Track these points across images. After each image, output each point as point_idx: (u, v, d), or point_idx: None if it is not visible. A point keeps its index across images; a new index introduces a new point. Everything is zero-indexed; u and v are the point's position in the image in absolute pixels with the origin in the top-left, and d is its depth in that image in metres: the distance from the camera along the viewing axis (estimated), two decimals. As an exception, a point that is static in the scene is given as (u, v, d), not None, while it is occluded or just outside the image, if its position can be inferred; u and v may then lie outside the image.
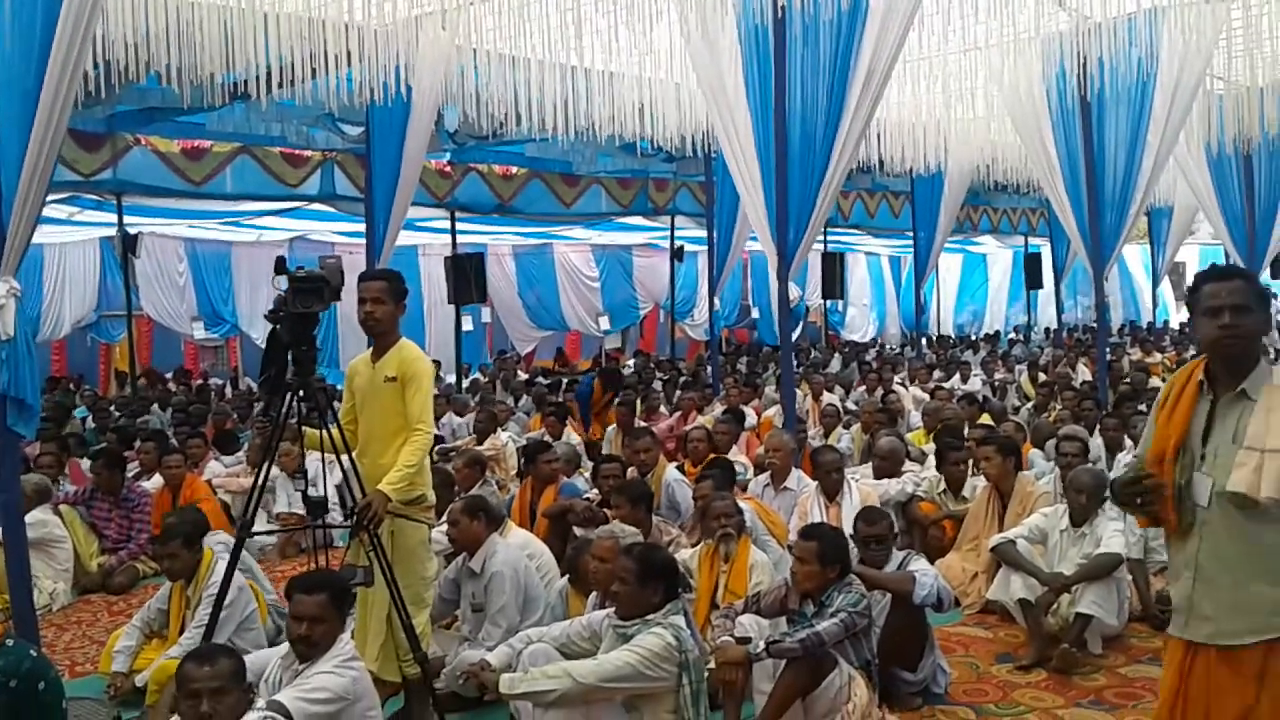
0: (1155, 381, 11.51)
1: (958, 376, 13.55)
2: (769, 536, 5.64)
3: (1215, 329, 2.62)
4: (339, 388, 4.97)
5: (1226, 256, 19.34)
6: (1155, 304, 23.50)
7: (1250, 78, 10.67)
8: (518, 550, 5.13)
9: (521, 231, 17.22)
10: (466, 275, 11.91)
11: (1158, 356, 16.18)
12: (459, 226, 13.36)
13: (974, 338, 22.74)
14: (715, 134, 7.99)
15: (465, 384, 13.70)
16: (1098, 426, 7.78)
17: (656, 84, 9.38)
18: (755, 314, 22.48)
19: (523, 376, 15.19)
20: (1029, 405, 11.04)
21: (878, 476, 6.77)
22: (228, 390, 15.78)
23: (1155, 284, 23.05)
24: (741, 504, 5.42)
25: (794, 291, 7.38)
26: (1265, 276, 14.08)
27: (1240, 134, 11.50)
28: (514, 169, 13.26)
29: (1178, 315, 26.06)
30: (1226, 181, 13.29)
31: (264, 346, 4.11)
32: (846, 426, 9.60)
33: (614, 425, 9.50)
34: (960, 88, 10.47)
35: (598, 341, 21.29)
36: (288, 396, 4.00)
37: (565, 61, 8.39)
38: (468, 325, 14.41)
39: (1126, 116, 9.63)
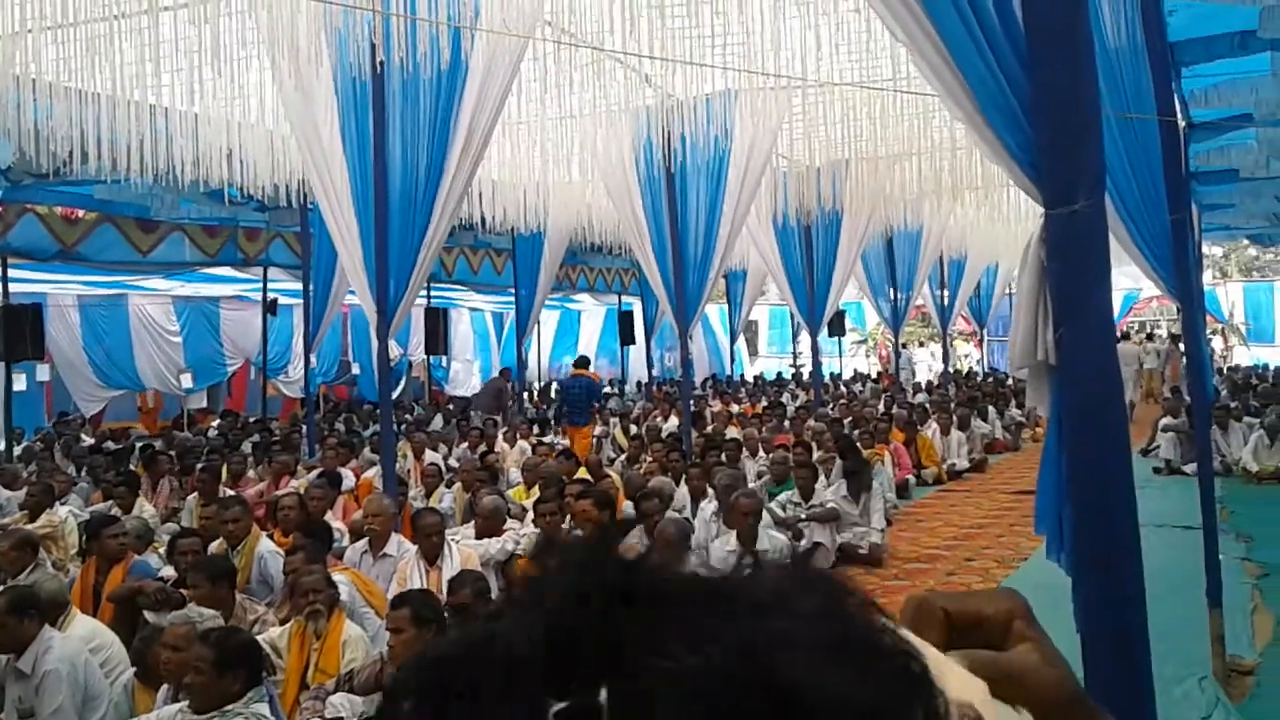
0: (733, 432, 12.40)
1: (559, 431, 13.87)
2: (367, 608, 5.37)
3: None
4: None
5: (792, 317, 21.48)
6: (733, 359, 25.55)
7: (810, 158, 11.91)
8: (78, 644, 4.53)
9: (89, 280, 15.58)
10: (20, 328, 10.59)
11: (735, 408, 17.50)
12: (11, 273, 11.84)
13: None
14: (310, 185, 7.68)
15: (17, 451, 12.14)
16: (684, 476, 8.22)
17: (247, 129, 8.88)
18: (355, 370, 21.82)
19: (88, 441, 13.69)
20: (623, 457, 11.49)
21: (479, 536, 6.69)
22: None
23: (733, 340, 25.11)
24: (337, 575, 5.13)
25: (395, 349, 7.19)
26: (823, 335, 15.68)
27: (802, 207, 12.78)
28: (80, 212, 12.00)
29: (752, 369, 28.53)
30: (790, 249, 14.70)
31: None
32: (449, 485, 9.48)
33: (193, 494, 8.74)
34: (558, 153, 10.83)
35: (179, 400, 19.65)
36: None
37: (143, 99, 7.73)
38: (20, 384, 12.74)
39: (706, 187, 10.38)
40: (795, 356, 26.61)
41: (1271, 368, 24.58)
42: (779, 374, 26.59)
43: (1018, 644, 0.55)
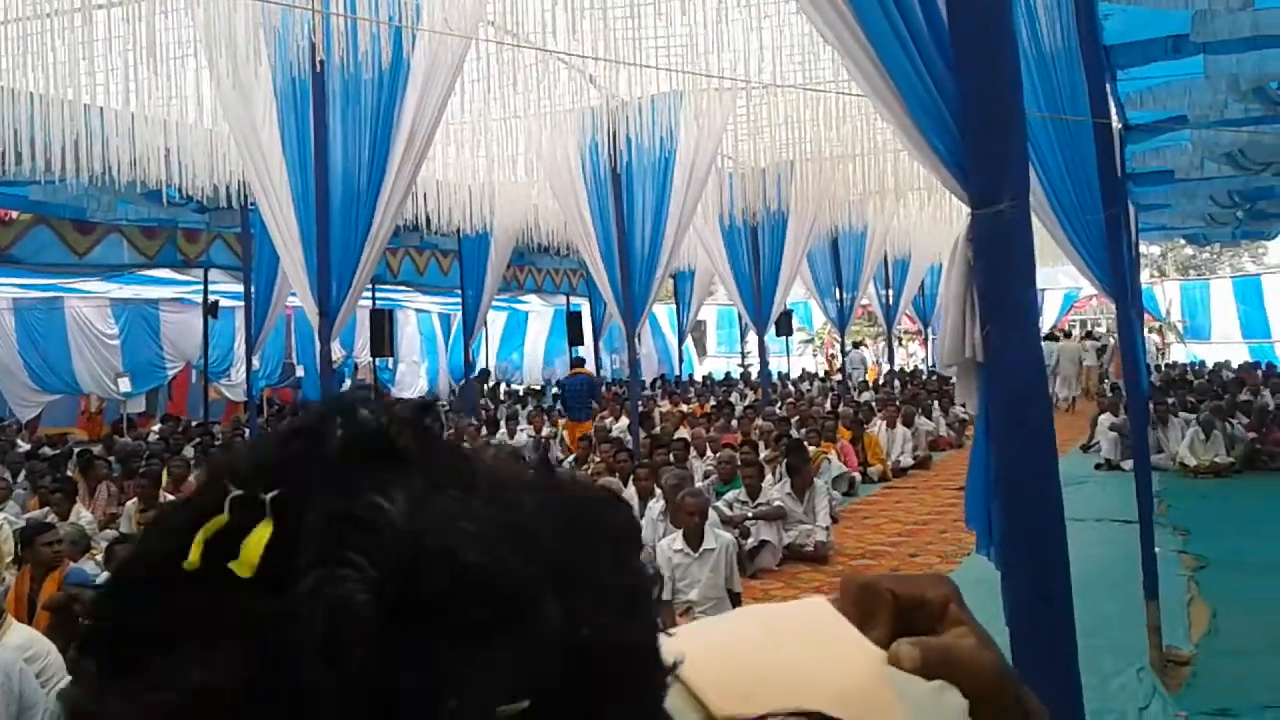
0: (681, 431, 12.43)
1: (505, 431, 13.83)
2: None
3: None
4: None
5: (740, 317, 21.58)
6: (681, 359, 25.60)
7: (755, 159, 11.99)
8: (14, 653, 4.43)
9: (23, 283, 15.25)
10: (-48, 332, 10.35)
11: (684, 407, 17.54)
12: (-57, 276, 11.59)
13: (520, 391, 23.36)
14: (250, 185, 7.58)
15: (-51, 458, 11.84)
16: (631, 476, 8.23)
17: (185, 128, 8.75)
18: (300, 372, 21.57)
19: (24, 447, 13.39)
20: (571, 458, 11.48)
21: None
22: None
23: (681, 340, 25.17)
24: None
25: (338, 351, 7.12)
26: (770, 335, 15.77)
27: (748, 208, 12.86)
28: (14, 213, 11.74)
29: (701, 369, 28.63)
30: (737, 249, 14.77)
31: None
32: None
33: (133, 500, 8.58)
34: (503, 153, 10.80)
35: (118, 405, 19.29)
36: None
37: (77, 98, 7.58)
38: (-48, 390, 12.45)
39: (652, 188, 10.40)
40: (743, 356, 26.73)
41: (1207, 364, 25.15)
42: (727, 374, 26.70)
43: (952, 627, 0.56)
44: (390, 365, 22.70)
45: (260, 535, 0.42)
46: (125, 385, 18.20)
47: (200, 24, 6.75)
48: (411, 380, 24.14)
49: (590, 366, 18.92)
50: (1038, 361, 2.38)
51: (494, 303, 21.05)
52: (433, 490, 0.45)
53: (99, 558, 6.86)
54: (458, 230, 12.55)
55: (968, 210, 2.28)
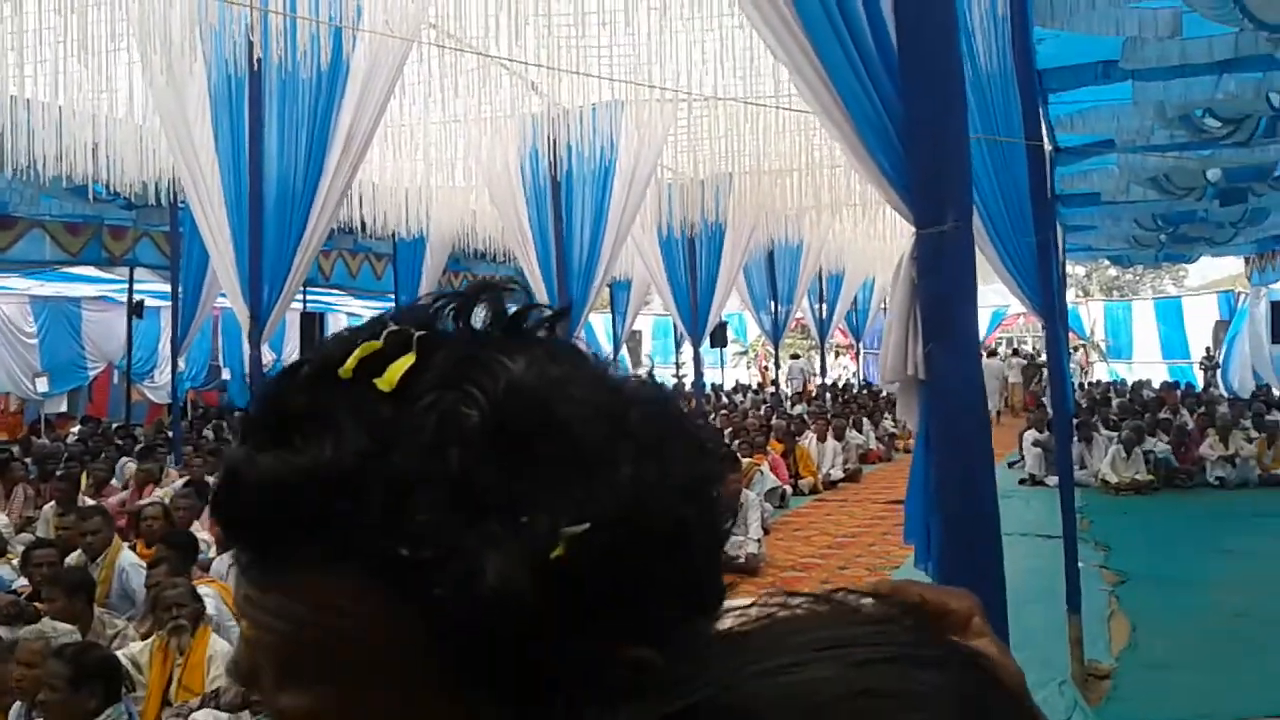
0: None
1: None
2: (234, 623, 5.21)
3: None
4: None
5: (675, 328, 21.65)
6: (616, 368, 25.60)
7: (694, 171, 12.05)
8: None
9: (-60, 278, 14.81)
10: None
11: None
12: None
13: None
14: (181, 183, 7.43)
15: None
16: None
17: (114, 123, 8.54)
18: (225, 375, 21.17)
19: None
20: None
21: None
22: None
23: (616, 350, 25.17)
24: (203, 588, 4.96)
25: (268, 354, 7.00)
26: (705, 346, 15.85)
27: (686, 219, 12.92)
28: (-69, 205, 11.38)
29: (635, 379, 28.59)
30: (674, 260, 14.82)
31: None
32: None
33: (50, 503, 8.34)
34: (441, 157, 10.71)
35: (37, 405, 18.75)
36: None
37: (3, 90, 7.37)
38: None
39: (591, 197, 10.38)
40: (678, 367, 26.81)
41: (1129, 383, 25.81)
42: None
43: (976, 638, 0.59)
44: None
45: (404, 362, 0.54)
46: (43, 385, 17.71)
47: (134, 17, 6.60)
48: (342, 385, 23.76)
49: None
50: (977, 379, 2.42)
51: (428, 308, 20.81)
52: (549, 362, 0.57)
53: (15, 562, 6.65)
54: (393, 234, 12.41)
55: (913, 229, 2.32)
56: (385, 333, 0.56)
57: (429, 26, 7.81)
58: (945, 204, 2.28)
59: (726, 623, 0.55)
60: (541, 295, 10.49)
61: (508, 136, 9.99)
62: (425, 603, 0.52)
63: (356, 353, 0.55)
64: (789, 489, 11.80)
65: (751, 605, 0.54)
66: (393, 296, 15.52)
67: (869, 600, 0.54)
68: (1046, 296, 5.97)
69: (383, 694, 0.54)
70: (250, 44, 6.27)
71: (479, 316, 0.58)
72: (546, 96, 9.59)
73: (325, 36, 6.28)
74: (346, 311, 23.14)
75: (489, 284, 0.61)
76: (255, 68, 6.44)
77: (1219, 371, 24.26)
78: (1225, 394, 21.00)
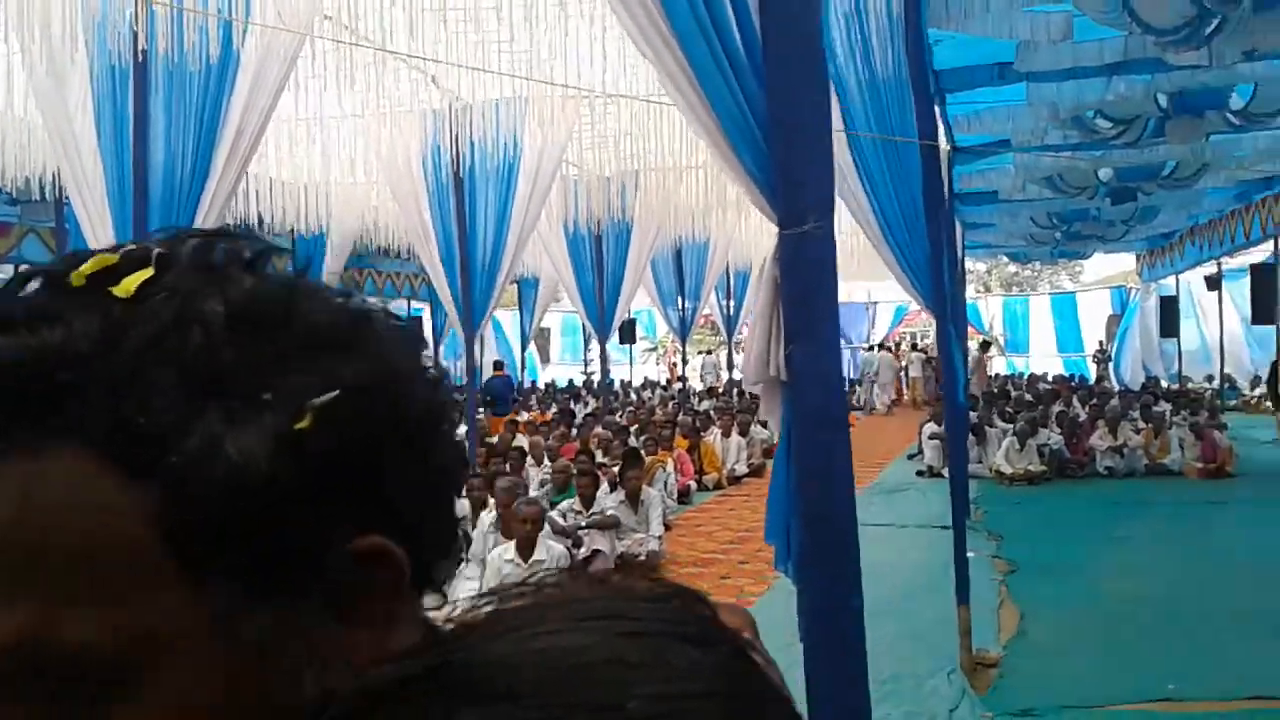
0: (521, 440, 12.35)
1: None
2: None
3: None
4: None
5: (584, 328, 21.61)
6: (524, 366, 25.48)
7: (600, 168, 12.03)
8: None
9: None
10: None
11: (524, 415, 17.46)
12: None
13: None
14: (63, 178, 7.16)
15: None
16: (465, 486, 8.12)
17: (-6, 117, 8.23)
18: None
19: None
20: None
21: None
22: None
23: (524, 347, 25.06)
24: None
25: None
26: (613, 341, 15.87)
27: (592, 216, 12.90)
28: None
29: (545, 376, 28.58)
30: (581, 257, 14.79)
31: None
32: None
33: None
34: (340, 152, 10.52)
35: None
36: None
37: None
38: None
39: (495, 193, 10.28)
40: (587, 364, 26.80)
41: (1025, 375, 26.53)
42: (570, 381, 26.73)
43: None
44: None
45: (142, 274, 0.53)
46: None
47: (12, 7, 6.34)
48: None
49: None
50: (836, 382, 2.44)
51: (332, 305, 20.43)
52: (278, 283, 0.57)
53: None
54: (292, 230, 12.15)
55: (776, 230, 2.33)
56: (122, 250, 0.55)
57: (323, 19, 7.66)
58: (807, 205, 2.30)
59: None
60: (444, 291, 10.40)
61: (408, 131, 9.85)
62: (163, 480, 0.49)
63: (90, 263, 0.53)
64: (693, 484, 11.87)
65: (523, 587, 0.53)
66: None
67: (648, 583, 0.53)
68: (939, 293, 6.09)
69: (109, 599, 0.49)
70: (135, 34, 6.07)
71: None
72: (449, 91, 9.48)
73: (214, 28, 6.11)
74: (247, 309, 22.65)
75: (232, 230, 0.60)
76: (140, 59, 6.23)
77: (1111, 364, 25.07)
78: (1117, 386, 21.71)
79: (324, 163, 10.58)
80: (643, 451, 10.51)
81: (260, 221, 11.63)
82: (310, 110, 9.21)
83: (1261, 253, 16.46)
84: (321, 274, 14.33)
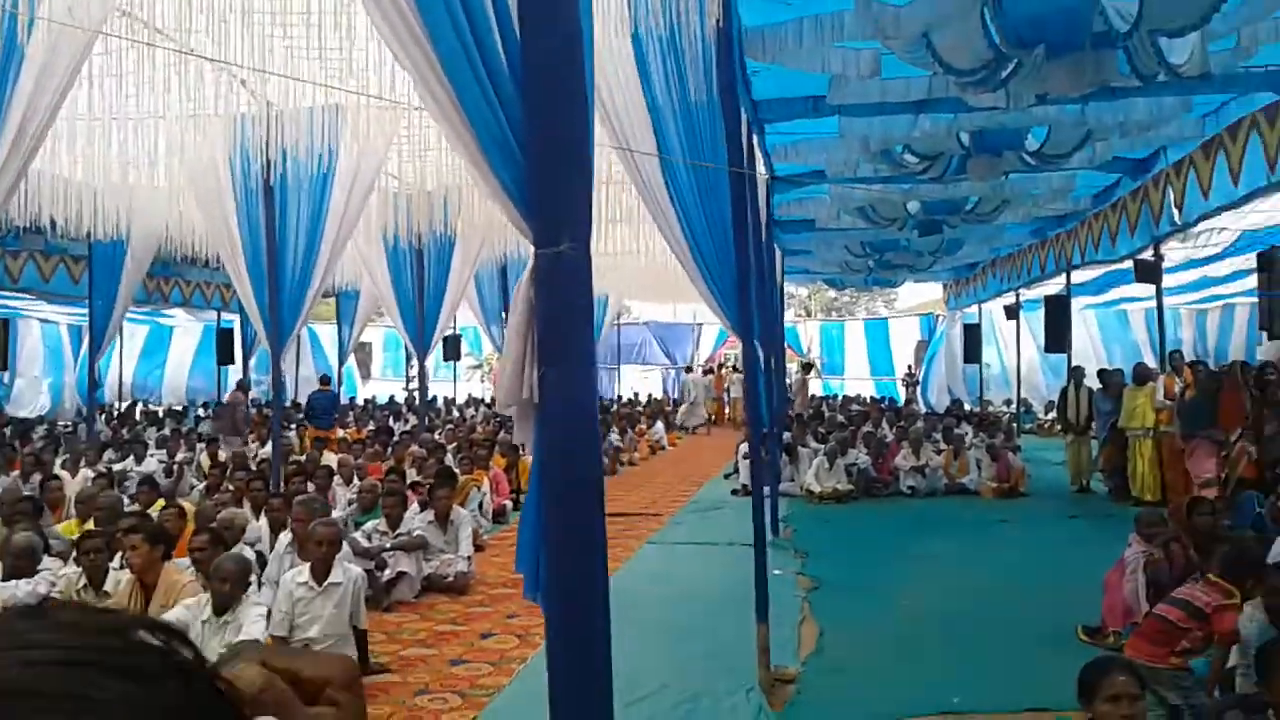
0: (330, 458, 11.97)
1: (133, 457, 12.72)
2: None
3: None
4: None
5: (406, 346, 21.13)
6: (342, 381, 24.78)
7: (421, 181, 11.80)
8: None
9: None
10: None
11: (341, 432, 16.97)
12: None
13: (159, 413, 21.62)
14: None
15: None
16: (265, 506, 7.79)
17: None
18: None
19: None
20: (202, 486, 10.69)
21: (7, 577, 5.90)
22: None
23: (342, 362, 24.38)
24: None
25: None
26: (438, 359, 15.58)
27: (414, 230, 12.66)
28: None
29: (365, 392, 27.86)
30: (401, 271, 14.51)
31: None
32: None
33: None
34: (140, 154, 9.97)
35: None
36: None
37: None
38: None
39: (308, 203, 9.95)
40: (408, 380, 26.27)
41: (840, 396, 27.49)
42: (391, 398, 26.16)
43: (323, 705, 0.66)
44: (6, 380, 20.45)
45: None
46: None
47: None
48: (31, 398, 21.81)
49: (188, 389, 18.18)
50: (591, 406, 2.42)
51: (134, 315, 19.44)
52: None
53: None
54: (88, 234, 11.46)
55: (531, 249, 2.29)
56: None
57: (121, 14, 7.26)
58: (563, 225, 2.27)
59: None
60: (250, 303, 9.99)
61: (214, 135, 9.44)
62: None
63: None
64: (509, 503, 11.74)
65: None
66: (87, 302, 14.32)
67: (108, 617, 0.53)
68: (745, 317, 6.20)
69: None
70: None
71: None
72: (260, 96, 9.12)
73: (-2, 19, 5.70)
74: (39, 317, 21.29)
75: None
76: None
77: (919, 388, 26.23)
78: (924, 409, 22.71)
79: (122, 165, 10.00)
80: (457, 470, 10.33)
81: (53, 224, 10.94)
82: (106, 109, 8.72)
83: (1055, 285, 17.52)
84: (121, 280, 13.60)
